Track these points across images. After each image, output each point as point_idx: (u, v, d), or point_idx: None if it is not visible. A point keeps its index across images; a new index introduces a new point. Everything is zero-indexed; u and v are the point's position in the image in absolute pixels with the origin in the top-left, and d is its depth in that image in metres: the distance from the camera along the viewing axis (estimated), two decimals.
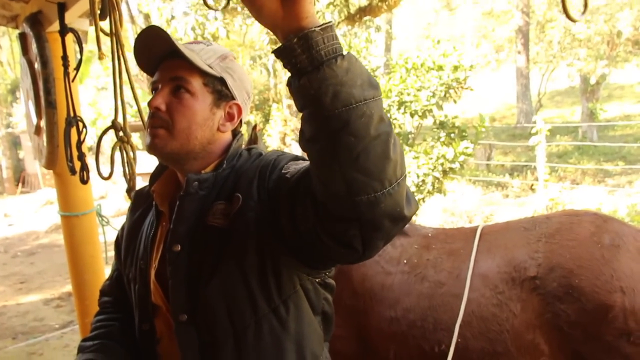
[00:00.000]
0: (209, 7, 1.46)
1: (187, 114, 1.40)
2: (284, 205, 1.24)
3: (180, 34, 10.67)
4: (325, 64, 0.99)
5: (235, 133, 1.54)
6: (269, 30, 1.12)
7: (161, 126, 1.39)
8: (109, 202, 13.63)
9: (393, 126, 1.28)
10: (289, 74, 1.06)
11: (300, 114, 1.08)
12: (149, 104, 1.39)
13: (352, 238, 1.08)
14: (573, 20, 1.23)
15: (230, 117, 1.50)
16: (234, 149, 1.49)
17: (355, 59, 1.03)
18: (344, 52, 1.02)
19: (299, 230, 1.19)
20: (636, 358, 2.04)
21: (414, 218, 7.31)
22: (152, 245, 1.52)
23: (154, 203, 1.55)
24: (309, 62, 1.00)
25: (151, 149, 1.41)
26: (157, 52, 1.43)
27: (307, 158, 1.14)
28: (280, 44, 1.04)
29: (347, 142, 0.99)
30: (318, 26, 1.00)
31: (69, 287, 5.72)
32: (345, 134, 0.99)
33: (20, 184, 21.64)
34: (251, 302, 1.35)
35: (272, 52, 1.09)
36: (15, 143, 23.06)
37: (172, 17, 11.40)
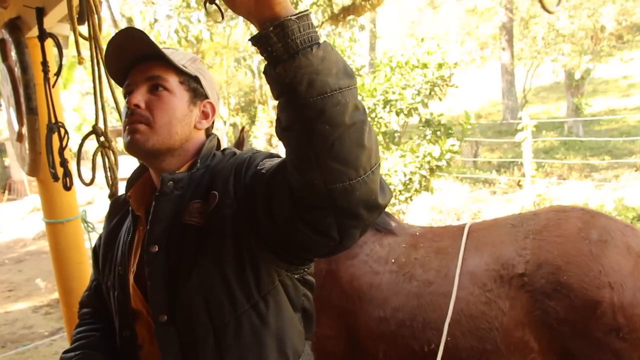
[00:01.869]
0: (216, 22, 1.47)
1: (167, 110, 1.43)
2: (261, 199, 1.24)
3: (164, 37, 10.62)
4: (300, 52, 1.00)
5: (208, 134, 1.56)
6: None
7: (141, 122, 1.40)
8: (96, 208, 13.54)
9: (372, 123, 1.29)
10: (266, 63, 1.07)
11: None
12: (128, 102, 1.40)
13: (329, 226, 1.10)
14: (549, 12, 1.23)
15: (205, 115, 1.53)
16: (207, 148, 1.50)
17: (331, 48, 1.04)
18: (320, 41, 1.03)
19: (276, 222, 1.19)
20: (625, 353, 2.04)
21: (401, 217, 7.32)
22: (129, 251, 1.52)
23: (130, 209, 1.55)
24: (285, 51, 1.01)
25: (131, 145, 1.41)
26: (130, 55, 1.43)
27: (281, 156, 1.14)
28: (257, 32, 1.05)
29: (322, 130, 1.01)
30: (294, 15, 1.02)
31: (57, 294, 5.70)
32: (320, 122, 1.00)
33: (6, 192, 21.47)
34: (230, 299, 1.35)
35: (249, 39, 1.09)
36: (0, 150, 22.89)
37: (155, 20, 11.34)
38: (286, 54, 1.01)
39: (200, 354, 1.37)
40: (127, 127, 1.41)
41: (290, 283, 1.46)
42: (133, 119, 1.40)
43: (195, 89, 1.49)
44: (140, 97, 1.41)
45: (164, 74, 1.43)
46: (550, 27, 17.10)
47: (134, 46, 1.41)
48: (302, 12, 1.03)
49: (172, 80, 1.44)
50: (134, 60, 1.44)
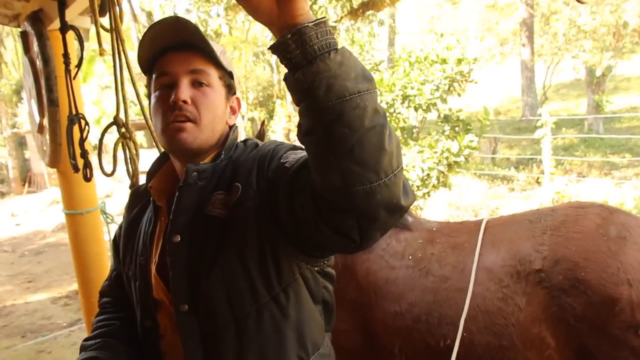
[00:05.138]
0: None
1: (211, 107, 1.43)
2: (283, 195, 1.25)
3: None
4: (318, 58, 1.01)
5: (230, 125, 1.56)
6: None
7: (188, 120, 1.40)
8: (115, 200, 13.66)
9: (391, 119, 1.30)
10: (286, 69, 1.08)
11: None
12: (175, 96, 1.37)
13: (350, 228, 1.10)
14: (581, 2, 1.22)
15: (233, 110, 1.55)
16: (231, 140, 1.51)
17: (349, 53, 1.06)
18: (338, 47, 1.04)
19: (298, 219, 1.21)
20: None
21: (418, 212, 7.30)
22: (151, 241, 1.53)
23: (151, 199, 1.55)
24: (303, 57, 1.02)
25: (178, 144, 1.40)
26: (164, 42, 1.41)
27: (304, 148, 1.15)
28: (276, 40, 1.07)
29: (342, 133, 1.01)
30: (311, 22, 1.03)
31: (76, 286, 5.77)
32: (339, 126, 1.01)
33: (26, 184, 21.73)
34: (252, 290, 1.36)
35: (269, 48, 1.11)
36: (21, 143, 23.16)
37: (175, 15, 11.40)
38: (305, 60, 1.02)
39: (220, 344, 1.38)
40: (171, 123, 1.39)
41: (311, 275, 1.48)
42: (179, 115, 1.39)
43: (230, 84, 1.51)
44: (187, 92, 1.39)
45: (207, 69, 1.43)
46: (572, 23, 16.92)
47: (173, 33, 1.39)
48: (320, 19, 1.04)
49: (214, 76, 1.45)
50: (165, 47, 1.42)
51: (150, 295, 1.50)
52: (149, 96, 1.50)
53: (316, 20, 1.04)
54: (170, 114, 1.39)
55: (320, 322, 1.54)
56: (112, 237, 1.78)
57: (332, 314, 1.62)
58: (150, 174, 1.58)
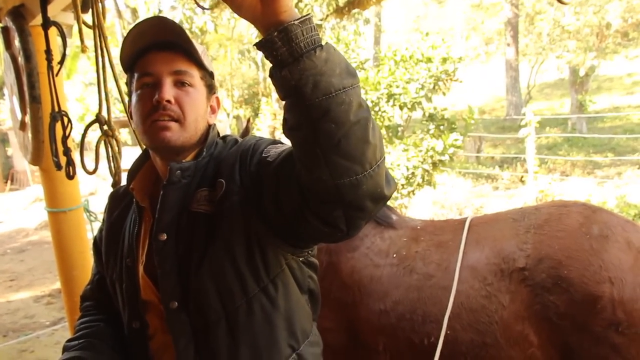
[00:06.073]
0: (200, 7, 1.47)
1: (194, 107, 1.45)
2: (268, 188, 1.28)
3: None
4: (304, 55, 1.04)
5: (210, 124, 1.57)
6: None
7: (172, 118, 1.41)
8: (99, 198, 13.55)
9: (376, 117, 1.31)
10: (271, 66, 1.10)
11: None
12: (159, 96, 1.38)
13: (337, 219, 1.14)
14: (563, 3, 1.24)
15: (212, 109, 1.56)
16: (211, 137, 1.52)
17: (334, 49, 1.08)
18: (323, 43, 1.07)
19: (284, 212, 1.23)
20: (625, 348, 2.04)
21: (403, 211, 7.32)
22: (137, 242, 1.52)
23: (134, 200, 1.55)
24: (289, 54, 1.04)
25: (161, 141, 1.41)
26: (146, 41, 1.41)
27: (284, 142, 1.17)
28: (262, 37, 1.08)
29: (328, 128, 1.04)
30: (297, 19, 1.05)
31: (59, 284, 5.73)
32: (326, 121, 1.04)
33: (8, 181, 21.51)
34: (241, 283, 1.38)
35: (254, 44, 1.12)
36: (3, 140, 22.91)
37: (160, 11, 11.34)
38: (291, 57, 1.04)
39: (212, 338, 1.40)
40: (155, 122, 1.40)
41: (296, 266, 1.50)
42: (163, 114, 1.39)
43: (211, 84, 1.52)
44: (170, 91, 1.40)
45: (190, 70, 1.44)
46: (556, 24, 17.03)
47: (156, 32, 1.39)
48: (304, 16, 1.06)
49: (196, 76, 1.46)
50: (146, 46, 1.42)
51: (138, 296, 1.50)
52: (129, 94, 1.50)
53: (301, 17, 1.05)
54: (154, 113, 1.40)
55: (308, 311, 1.57)
56: (94, 236, 1.76)
57: (318, 302, 1.65)
58: (130, 175, 1.58)
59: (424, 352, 2.34)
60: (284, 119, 1.12)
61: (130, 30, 1.42)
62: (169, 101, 1.39)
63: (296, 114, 1.07)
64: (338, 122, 1.04)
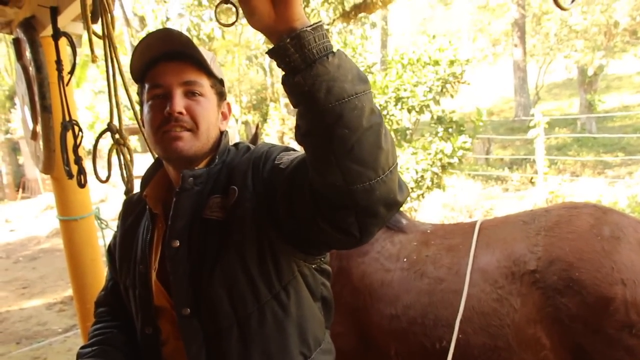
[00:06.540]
0: (223, 25, 1.47)
1: (206, 116, 1.46)
2: (281, 195, 1.28)
3: None
4: (317, 61, 1.04)
5: (221, 131, 1.58)
6: None
7: (185, 129, 1.42)
8: (110, 205, 13.62)
9: (384, 118, 1.32)
10: (283, 73, 1.10)
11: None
12: (172, 108, 1.39)
13: (350, 225, 1.13)
14: (562, 9, 1.24)
15: (224, 116, 1.57)
16: (223, 144, 1.53)
17: (345, 56, 1.08)
18: (334, 49, 1.07)
19: (297, 218, 1.23)
20: (638, 350, 2.03)
21: (413, 214, 7.30)
22: (150, 248, 1.53)
23: (147, 207, 1.56)
24: (302, 61, 1.05)
25: (175, 152, 1.43)
26: (154, 52, 1.43)
27: (296, 149, 1.16)
28: (274, 45, 1.08)
29: (342, 134, 1.04)
30: (309, 26, 1.05)
31: (70, 291, 5.74)
32: (339, 127, 1.04)
33: (20, 190, 21.66)
34: (253, 290, 1.38)
35: (266, 52, 1.13)
36: (14, 149, 23.08)
37: (167, 19, 11.40)
38: (304, 64, 1.04)
39: (224, 344, 1.40)
40: (167, 133, 1.41)
41: (309, 273, 1.50)
42: (176, 125, 1.41)
43: (221, 91, 1.53)
44: (181, 102, 1.41)
45: (199, 79, 1.45)
46: (563, 23, 16.98)
47: (164, 44, 1.41)
48: (316, 23, 1.06)
49: (206, 85, 1.47)
50: (155, 57, 1.44)
51: (151, 302, 1.51)
52: (140, 104, 1.52)
53: (313, 24, 1.06)
54: (166, 124, 1.41)
55: (320, 318, 1.56)
56: (106, 243, 1.78)
57: (331, 310, 1.65)
58: (144, 182, 1.59)
59: (436, 356, 2.33)
60: (297, 126, 1.13)
61: (138, 43, 1.43)
62: (180, 112, 1.40)
63: (309, 120, 1.08)
64: (351, 127, 1.04)
